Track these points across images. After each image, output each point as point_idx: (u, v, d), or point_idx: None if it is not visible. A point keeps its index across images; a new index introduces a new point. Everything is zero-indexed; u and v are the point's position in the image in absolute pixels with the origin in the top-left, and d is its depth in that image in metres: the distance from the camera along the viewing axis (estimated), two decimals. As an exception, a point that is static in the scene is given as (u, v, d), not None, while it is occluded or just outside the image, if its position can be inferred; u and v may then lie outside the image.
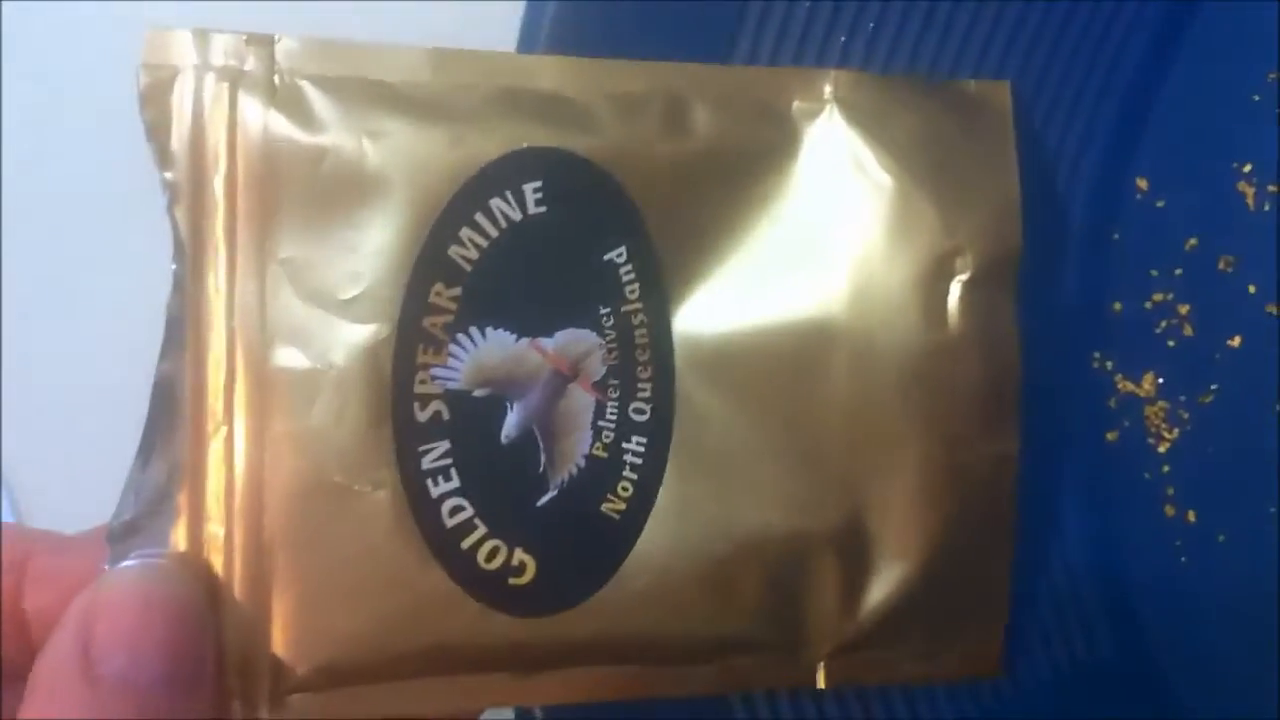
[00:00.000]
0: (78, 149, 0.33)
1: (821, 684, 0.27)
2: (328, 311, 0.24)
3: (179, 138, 0.24)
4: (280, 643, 0.24)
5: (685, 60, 0.27)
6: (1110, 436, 0.29)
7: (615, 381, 0.25)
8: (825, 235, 0.26)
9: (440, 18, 0.30)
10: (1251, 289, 0.28)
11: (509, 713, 0.28)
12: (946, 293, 0.27)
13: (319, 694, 0.24)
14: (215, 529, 0.24)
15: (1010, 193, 0.27)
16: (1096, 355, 0.29)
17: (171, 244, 0.24)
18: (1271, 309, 0.27)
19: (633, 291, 0.26)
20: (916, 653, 0.27)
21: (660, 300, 0.26)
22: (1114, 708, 0.29)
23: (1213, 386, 0.28)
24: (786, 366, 0.26)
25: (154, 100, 0.24)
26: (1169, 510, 0.28)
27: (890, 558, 0.27)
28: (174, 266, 0.24)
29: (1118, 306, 0.29)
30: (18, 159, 0.34)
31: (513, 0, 0.28)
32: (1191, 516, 0.28)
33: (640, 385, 0.26)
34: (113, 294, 0.31)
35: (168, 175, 0.24)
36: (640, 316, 0.26)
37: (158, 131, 0.24)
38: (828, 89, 0.27)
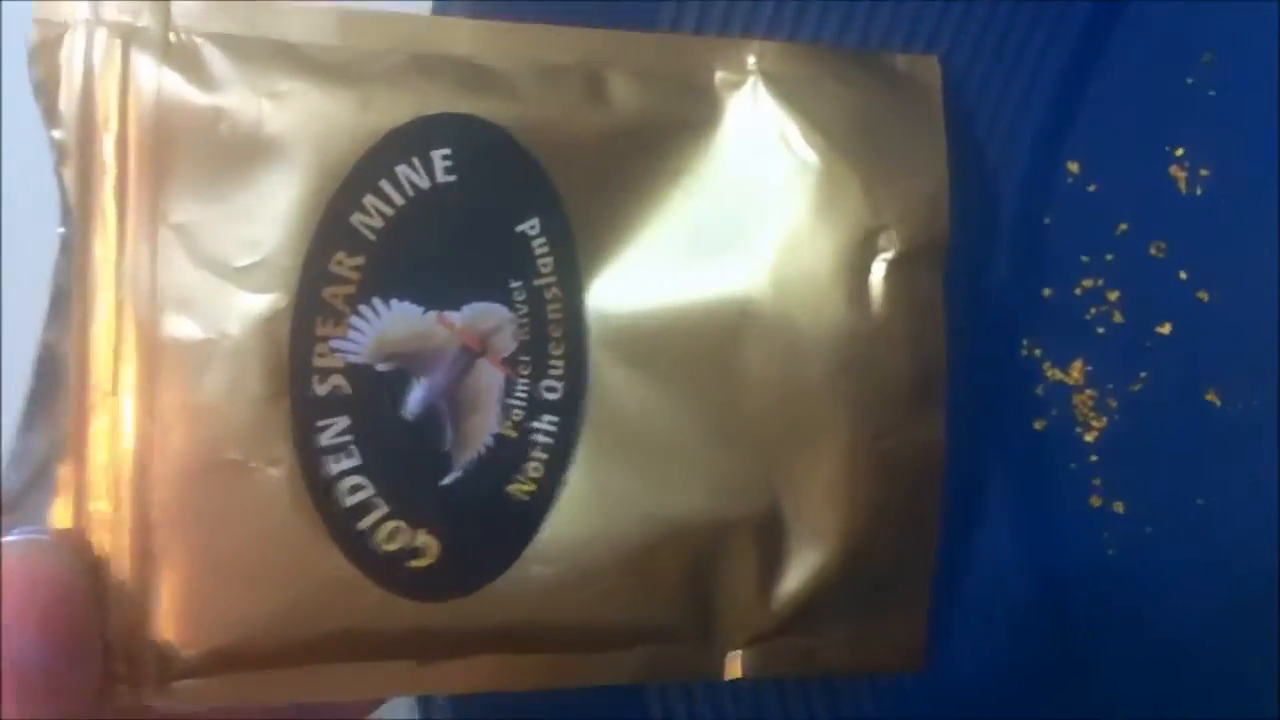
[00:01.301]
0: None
1: (738, 674, 0.26)
2: (222, 279, 0.23)
3: (68, 96, 0.23)
4: (168, 625, 0.23)
5: (607, 26, 0.26)
6: (1038, 425, 0.28)
7: (526, 358, 0.24)
8: (747, 212, 0.26)
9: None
10: (1182, 275, 0.27)
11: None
12: (871, 273, 0.26)
13: (208, 679, 0.23)
14: (100, 505, 0.23)
15: (938, 171, 0.26)
16: (1025, 342, 0.28)
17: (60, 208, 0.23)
18: (1202, 295, 0.27)
19: (546, 265, 0.25)
20: (836, 643, 0.26)
21: (574, 275, 0.25)
22: (1041, 700, 0.28)
23: (1141, 375, 0.27)
24: (706, 347, 0.25)
25: (43, 56, 0.23)
26: (1096, 501, 0.28)
27: (811, 545, 0.26)
28: (61, 230, 0.23)
29: (1048, 292, 0.28)
30: (18, 159, 0.33)
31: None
32: (1119, 508, 0.27)
33: (552, 363, 0.25)
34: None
35: (56, 135, 0.23)
36: (553, 291, 0.25)
37: (46, 89, 0.23)
38: (751, 60, 0.26)
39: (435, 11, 0.27)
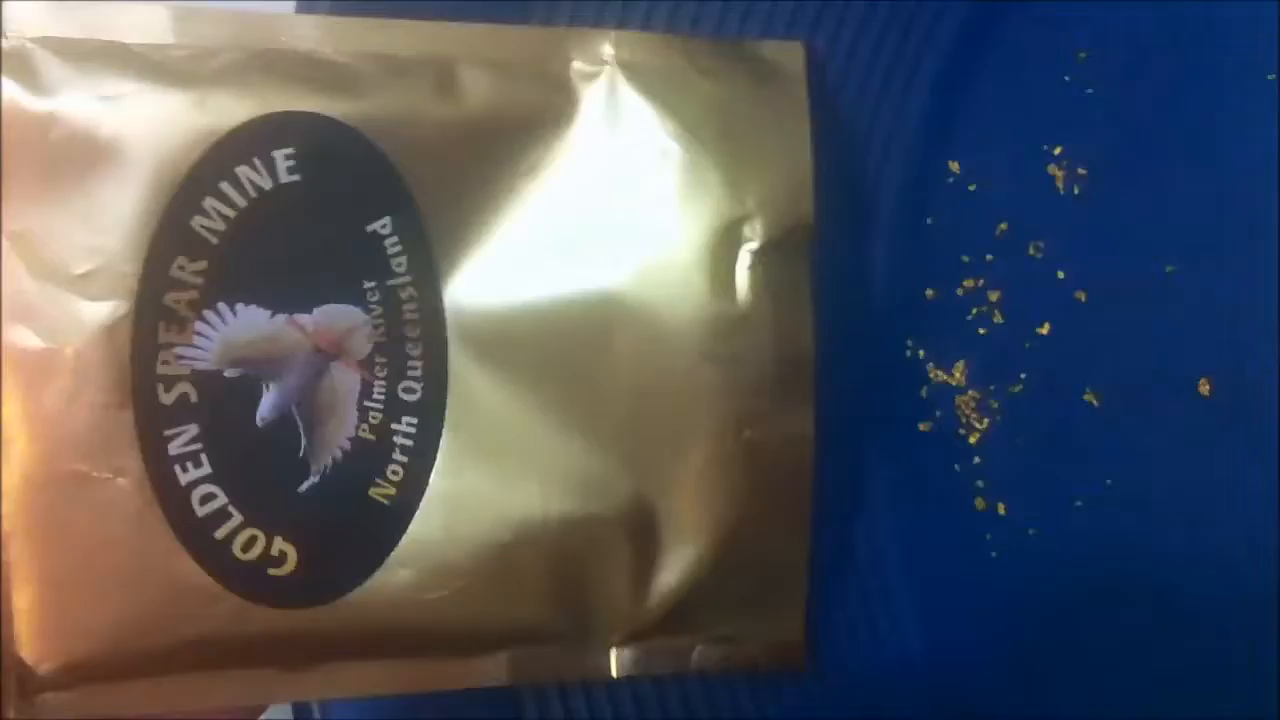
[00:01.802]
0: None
1: (614, 673, 0.26)
2: (61, 288, 0.23)
3: None
4: (23, 639, 0.23)
5: (478, 21, 0.25)
6: (923, 427, 0.28)
7: (383, 359, 0.24)
8: (607, 205, 0.25)
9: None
10: (1061, 275, 0.27)
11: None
12: (735, 262, 0.25)
13: (69, 691, 0.23)
14: (-54, 520, 0.23)
15: (802, 157, 0.26)
16: (909, 343, 0.28)
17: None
18: (1080, 295, 0.26)
19: (400, 265, 0.24)
20: (713, 639, 0.26)
21: (430, 274, 0.24)
22: (922, 703, 0.27)
23: (1022, 375, 0.27)
24: (568, 343, 0.25)
25: None
26: (980, 503, 0.27)
27: (682, 540, 0.25)
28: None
29: (930, 293, 0.28)
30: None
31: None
32: (1002, 509, 0.27)
33: (410, 363, 0.24)
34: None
35: None
36: (409, 291, 0.24)
37: None
38: (608, 50, 0.26)
39: (298, 10, 0.26)
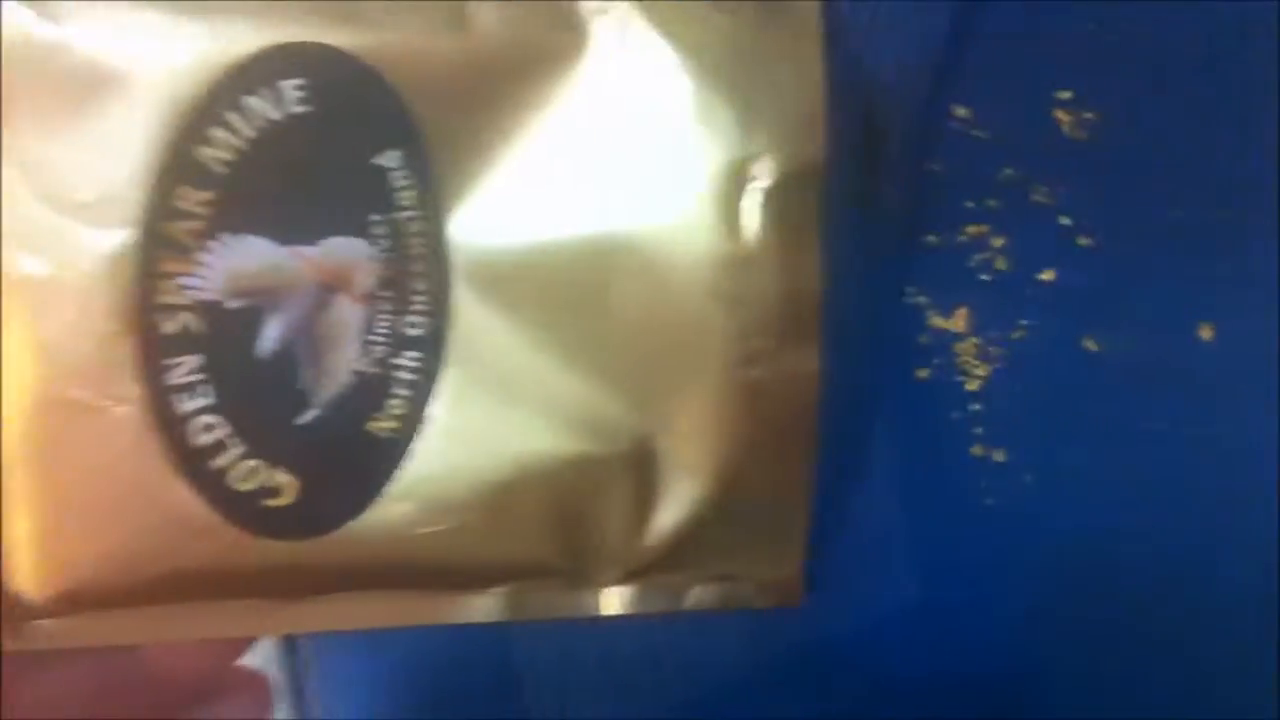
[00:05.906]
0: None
1: (610, 611, 0.26)
2: (66, 216, 0.23)
3: None
4: (20, 567, 0.23)
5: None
6: (921, 374, 0.28)
7: (387, 293, 0.24)
8: (616, 142, 0.25)
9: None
10: (1065, 220, 0.27)
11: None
12: (744, 200, 0.25)
13: (63, 619, 0.23)
14: (-53, 445, 0.23)
15: (814, 98, 0.26)
16: (909, 289, 0.28)
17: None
18: (1084, 241, 0.26)
19: (407, 198, 0.24)
20: (712, 578, 0.26)
21: (437, 209, 0.24)
22: (915, 650, 0.28)
23: (1023, 322, 0.27)
24: (574, 281, 0.25)
25: None
26: (977, 450, 0.27)
27: (683, 479, 0.26)
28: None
29: (932, 239, 0.28)
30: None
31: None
32: (999, 456, 0.27)
33: (414, 298, 0.24)
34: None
35: None
36: (416, 225, 0.24)
37: None
38: (621, -16, 0.25)
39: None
